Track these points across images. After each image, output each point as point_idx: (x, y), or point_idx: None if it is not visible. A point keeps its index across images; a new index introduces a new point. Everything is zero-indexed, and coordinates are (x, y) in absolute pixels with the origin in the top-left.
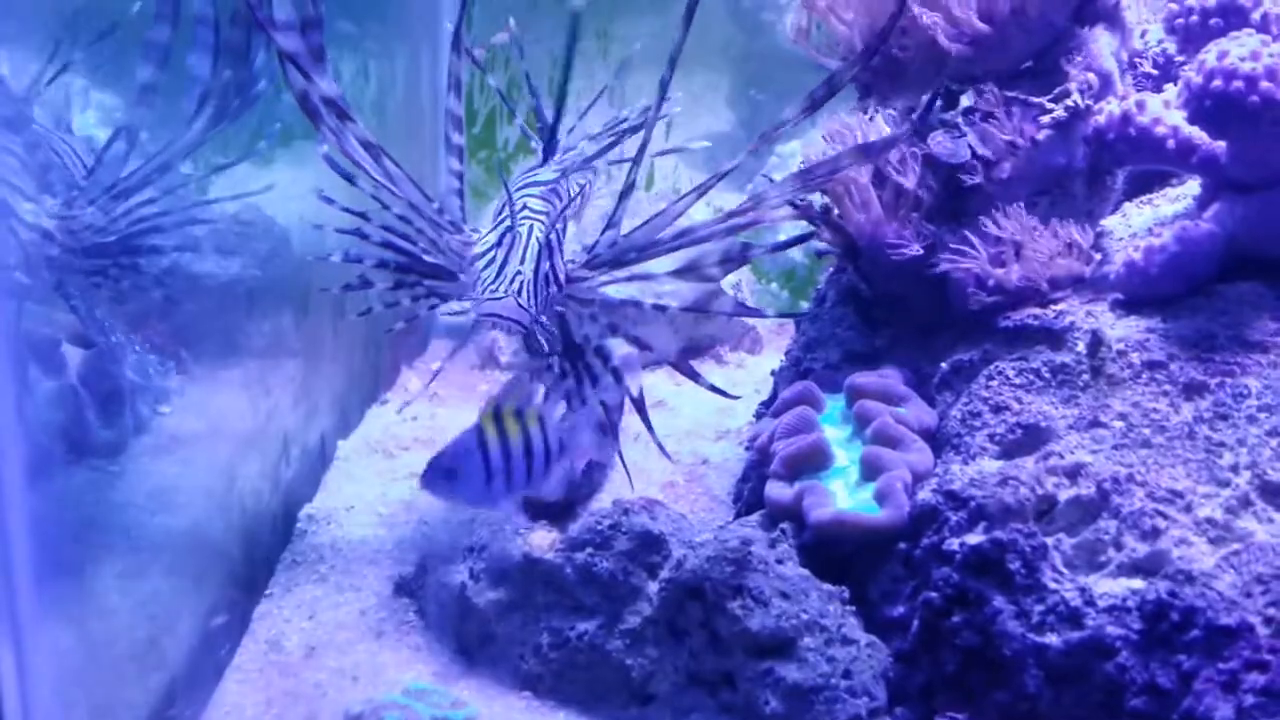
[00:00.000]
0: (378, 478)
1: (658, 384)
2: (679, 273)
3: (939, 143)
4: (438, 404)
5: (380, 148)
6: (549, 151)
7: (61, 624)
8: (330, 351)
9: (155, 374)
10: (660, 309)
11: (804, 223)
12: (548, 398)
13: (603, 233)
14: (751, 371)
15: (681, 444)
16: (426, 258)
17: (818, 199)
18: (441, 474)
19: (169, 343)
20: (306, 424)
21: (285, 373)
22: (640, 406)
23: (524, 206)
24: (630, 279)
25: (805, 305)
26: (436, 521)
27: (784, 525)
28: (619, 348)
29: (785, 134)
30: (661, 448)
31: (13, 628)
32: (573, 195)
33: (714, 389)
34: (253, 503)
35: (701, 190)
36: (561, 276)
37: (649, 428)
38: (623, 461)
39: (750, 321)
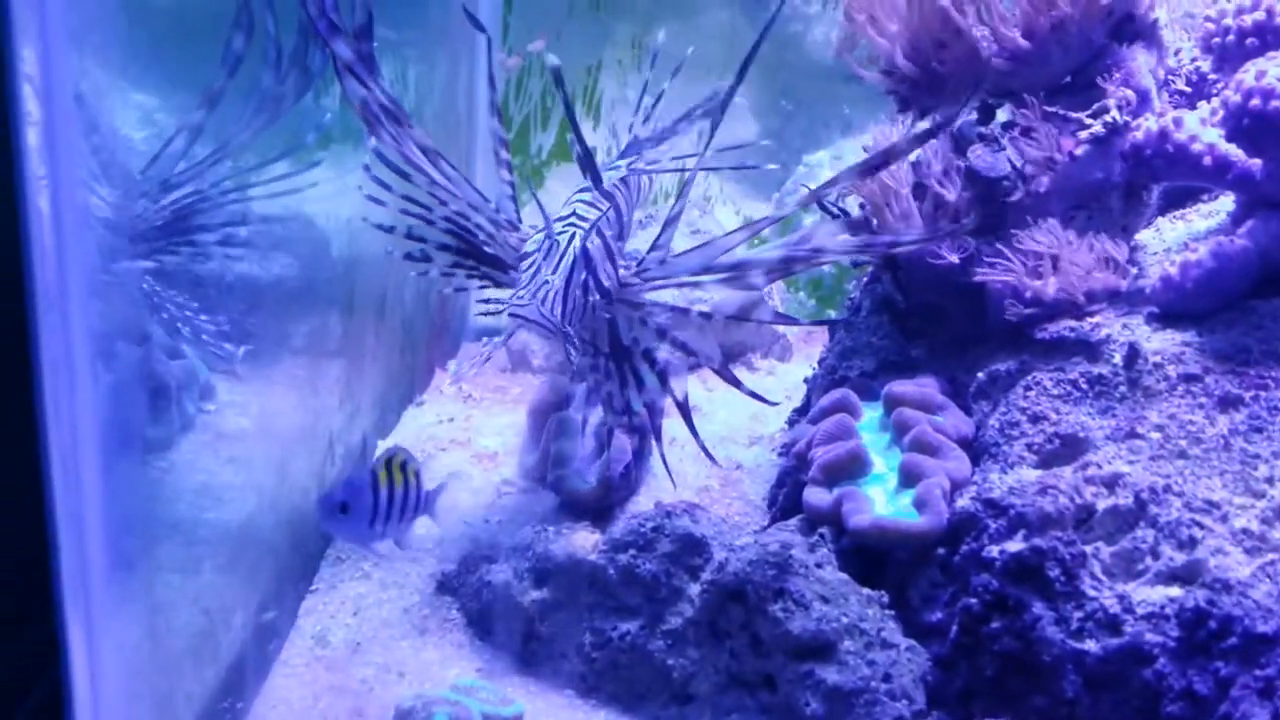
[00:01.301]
0: None
1: (690, 390)
2: (724, 281)
3: (978, 156)
4: (472, 405)
5: (438, 152)
6: (592, 176)
7: (126, 618)
8: (371, 353)
9: (199, 371)
10: (706, 316)
11: None
12: (588, 399)
13: (649, 252)
14: (782, 378)
15: (715, 450)
16: (486, 249)
17: (854, 207)
18: (335, 506)
19: (217, 340)
20: (350, 424)
21: (331, 373)
22: (685, 409)
23: (572, 213)
24: (676, 285)
25: (832, 314)
26: (477, 521)
27: (822, 530)
28: (665, 351)
29: (834, 185)
30: (705, 450)
31: (86, 620)
32: (623, 201)
33: (754, 395)
34: (300, 500)
35: (753, 230)
36: (607, 283)
37: (693, 431)
38: (665, 462)
39: (781, 330)
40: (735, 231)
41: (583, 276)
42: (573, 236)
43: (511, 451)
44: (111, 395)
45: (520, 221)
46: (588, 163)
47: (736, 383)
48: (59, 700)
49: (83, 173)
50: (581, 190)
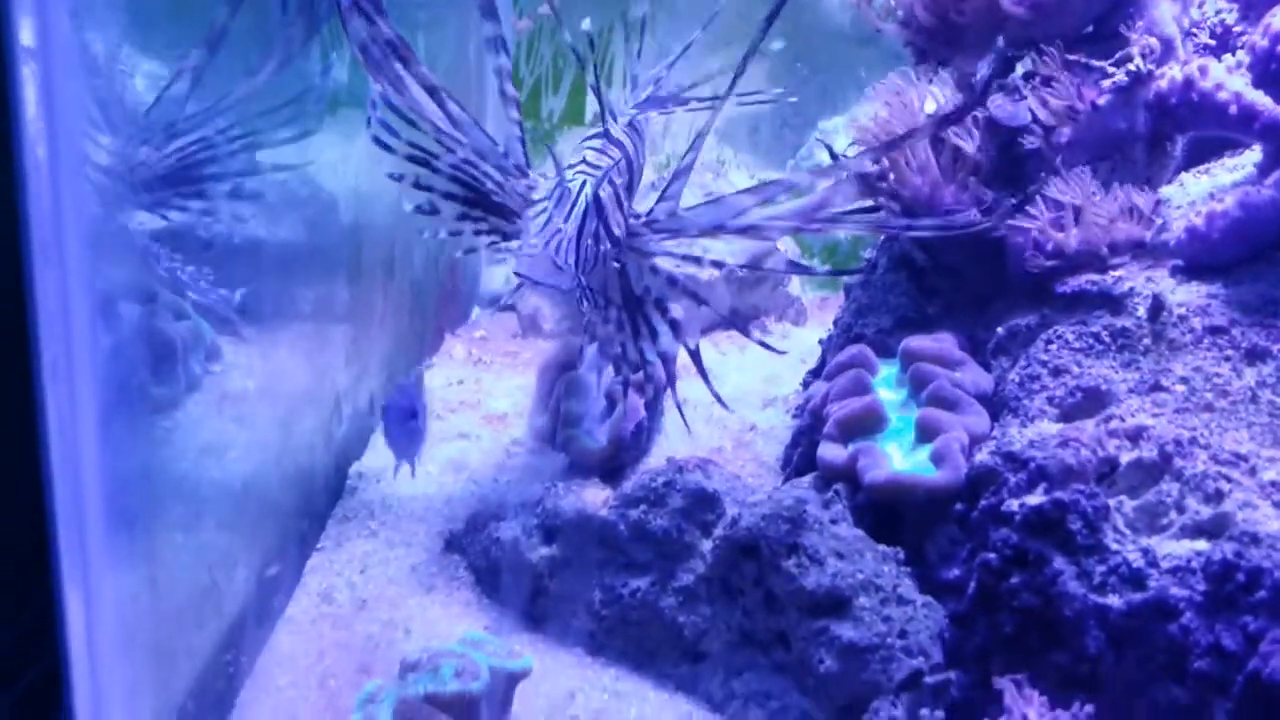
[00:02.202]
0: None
1: (703, 352)
2: (738, 232)
3: (999, 105)
4: (482, 369)
5: (445, 90)
6: (606, 123)
7: (125, 571)
8: (380, 316)
9: (205, 332)
10: (718, 265)
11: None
12: (600, 355)
13: (657, 203)
14: (796, 342)
15: (728, 411)
16: (494, 197)
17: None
18: (405, 414)
19: (220, 304)
20: (357, 384)
21: (337, 334)
22: (698, 359)
23: (582, 160)
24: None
25: (846, 280)
26: (485, 480)
27: (837, 486)
28: (677, 300)
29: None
30: (719, 398)
31: (83, 572)
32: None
33: (763, 344)
34: (306, 458)
35: (765, 193)
36: (617, 231)
37: (706, 380)
38: (680, 410)
39: (795, 293)
40: (746, 191)
41: (594, 225)
42: (584, 184)
43: (521, 413)
44: (112, 353)
45: (529, 165)
46: (602, 103)
47: (746, 332)
48: (55, 654)
49: (83, 119)
50: (591, 137)
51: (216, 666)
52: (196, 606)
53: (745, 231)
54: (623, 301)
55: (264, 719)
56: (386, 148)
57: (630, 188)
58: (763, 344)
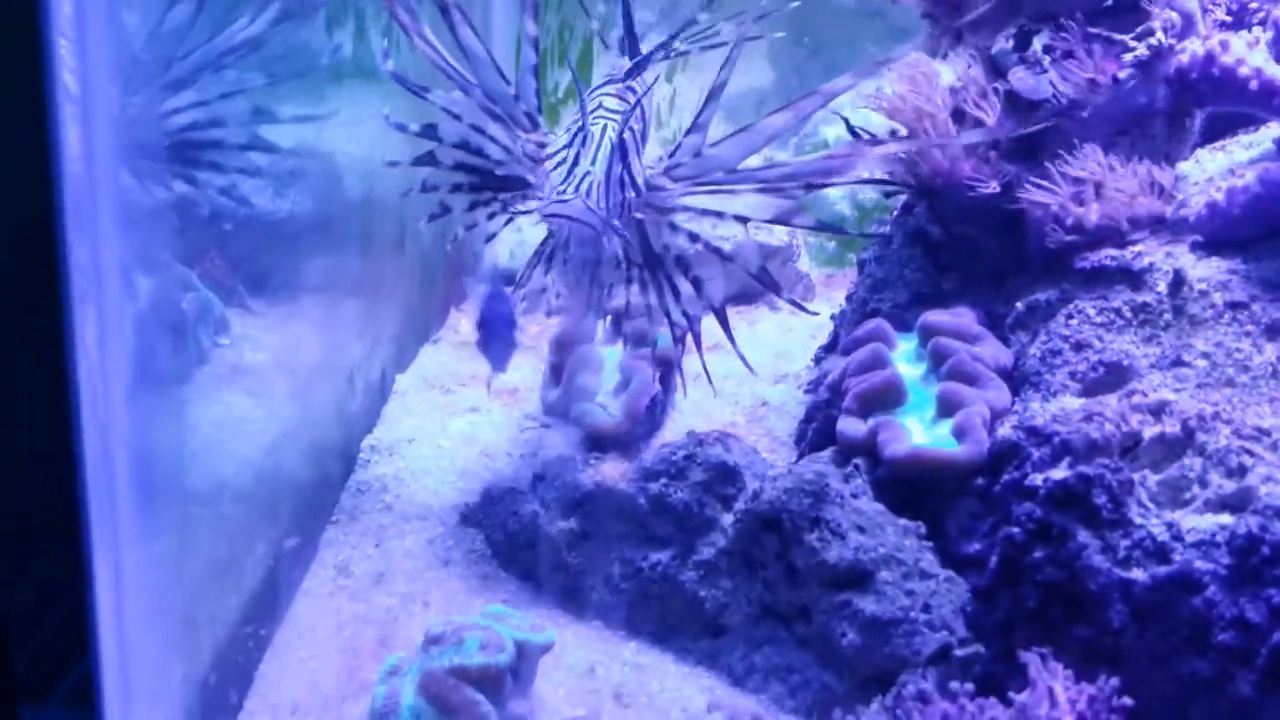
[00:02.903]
0: (436, 412)
1: (713, 326)
2: (761, 190)
3: (1020, 78)
4: None
5: (461, 11)
6: (634, 50)
7: (151, 540)
8: (389, 288)
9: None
10: (742, 219)
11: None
12: (628, 313)
13: (685, 135)
14: (805, 318)
15: (740, 386)
16: (499, 171)
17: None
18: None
19: (227, 277)
20: (369, 357)
21: (349, 307)
22: (723, 317)
23: (599, 105)
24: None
25: (854, 258)
26: (499, 454)
27: (857, 461)
28: (700, 257)
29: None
30: (744, 359)
31: (113, 539)
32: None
33: (794, 304)
34: (320, 431)
35: (798, 111)
36: (639, 180)
37: (731, 339)
38: (706, 371)
39: (804, 270)
40: (776, 112)
41: (619, 170)
42: (605, 127)
43: (532, 387)
44: (136, 324)
45: (540, 111)
46: (630, 38)
47: (776, 289)
48: (79, 619)
49: (115, 87)
50: (605, 84)
51: (238, 638)
52: (218, 578)
53: (773, 183)
54: (643, 260)
55: (285, 691)
56: (401, 128)
57: (644, 136)
58: (794, 303)
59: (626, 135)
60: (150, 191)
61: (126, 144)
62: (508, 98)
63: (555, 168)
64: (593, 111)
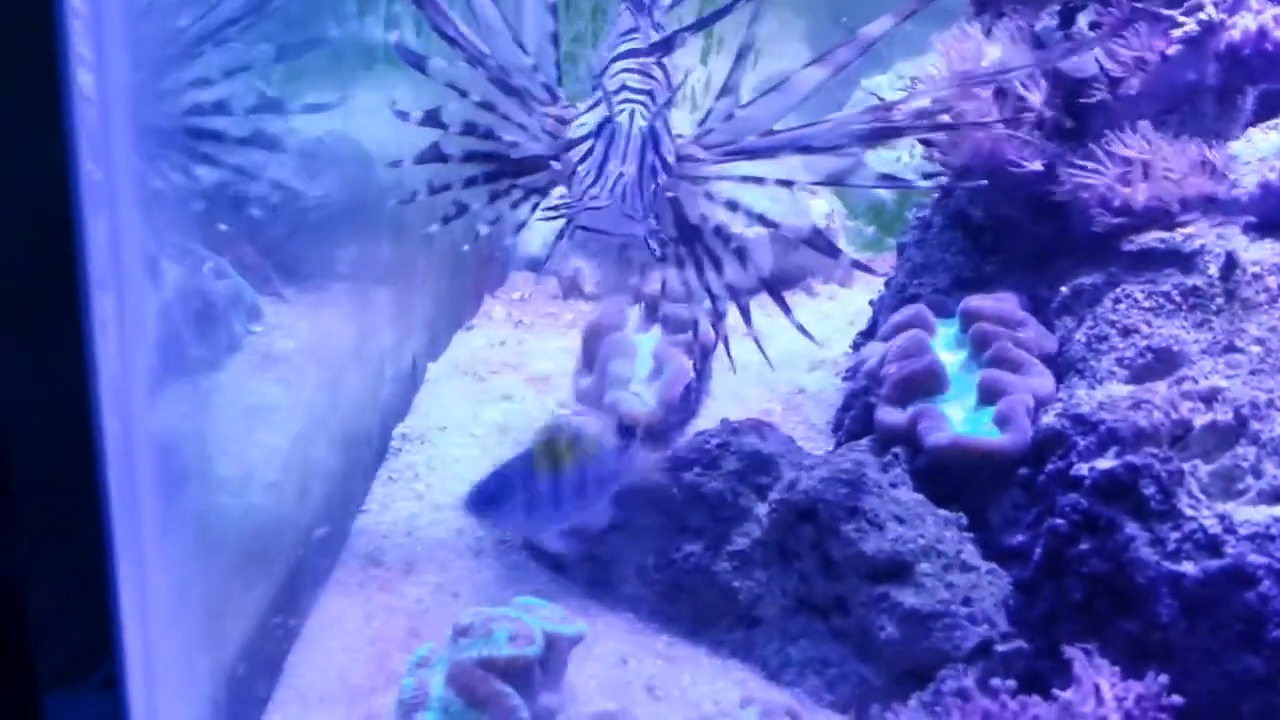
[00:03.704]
0: (468, 400)
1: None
2: (810, 151)
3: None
4: (524, 330)
5: None
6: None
7: (176, 531)
8: (420, 275)
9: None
10: (786, 183)
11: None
12: (648, 317)
13: (716, 100)
14: (843, 304)
15: (777, 374)
16: (515, 154)
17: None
18: (485, 499)
19: (258, 263)
20: (400, 345)
21: (380, 294)
22: (772, 288)
23: (622, 87)
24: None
25: (893, 242)
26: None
27: (896, 450)
28: (742, 226)
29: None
30: (801, 328)
31: (134, 532)
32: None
33: (859, 265)
34: (351, 420)
35: (834, 62)
36: (670, 158)
37: (785, 309)
38: (758, 343)
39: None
40: (810, 65)
41: (652, 159)
42: (633, 115)
43: (565, 375)
44: (161, 313)
45: (560, 83)
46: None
47: (834, 253)
48: (103, 612)
49: (132, 67)
50: (623, 56)
51: (266, 629)
52: (245, 568)
53: (814, 148)
54: (679, 234)
55: (314, 681)
56: (402, 116)
57: (669, 104)
58: (859, 264)
59: (657, 122)
60: (170, 176)
61: (144, 127)
62: (525, 69)
63: (582, 160)
64: (618, 95)
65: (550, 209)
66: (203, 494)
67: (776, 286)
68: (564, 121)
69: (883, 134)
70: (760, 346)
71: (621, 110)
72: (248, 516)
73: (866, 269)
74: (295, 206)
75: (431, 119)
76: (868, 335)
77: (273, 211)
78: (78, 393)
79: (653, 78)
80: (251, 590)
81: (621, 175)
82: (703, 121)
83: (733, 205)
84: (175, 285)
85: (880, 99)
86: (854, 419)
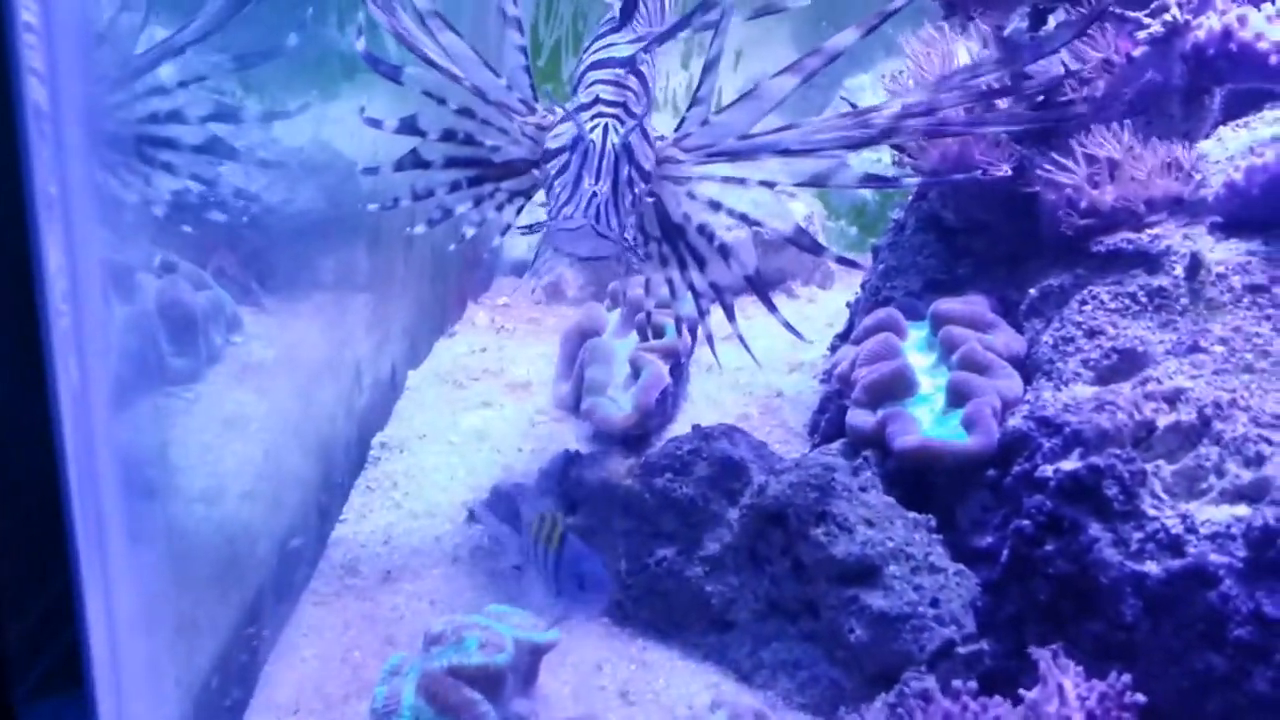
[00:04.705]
0: (448, 407)
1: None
2: (789, 154)
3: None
4: (505, 336)
5: (442, 17)
6: (628, 13)
7: (145, 544)
8: (400, 283)
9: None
10: (768, 184)
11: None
12: (658, 291)
13: (689, 108)
14: (823, 306)
15: (755, 377)
16: (497, 158)
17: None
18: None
19: (239, 273)
20: (378, 353)
21: (357, 302)
22: (758, 285)
23: (595, 99)
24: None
25: (873, 241)
26: (509, 449)
27: (866, 453)
28: (725, 225)
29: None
30: (788, 324)
31: (100, 547)
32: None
33: (844, 259)
34: (328, 429)
35: (802, 71)
36: (648, 165)
37: (771, 308)
38: (743, 340)
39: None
40: (784, 72)
41: (627, 171)
42: (606, 131)
43: (545, 381)
44: (128, 324)
45: (536, 98)
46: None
47: (817, 250)
48: (69, 626)
49: (85, 72)
50: (596, 66)
51: (240, 639)
52: (219, 579)
53: (791, 153)
54: (662, 234)
55: (289, 691)
56: (374, 124)
57: (647, 111)
58: (844, 260)
59: (634, 134)
60: (132, 187)
61: (102, 140)
62: (498, 88)
63: (558, 174)
64: (589, 108)
65: (526, 227)
66: (174, 505)
67: (762, 284)
68: (543, 128)
69: (858, 143)
70: (745, 345)
71: (595, 127)
72: (221, 527)
73: (852, 264)
74: (276, 216)
75: (408, 126)
76: (844, 337)
77: (254, 221)
78: (38, 407)
79: (627, 88)
80: (225, 601)
81: (595, 195)
82: (679, 127)
83: (715, 206)
84: (152, 296)
85: (853, 105)
86: (829, 422)
